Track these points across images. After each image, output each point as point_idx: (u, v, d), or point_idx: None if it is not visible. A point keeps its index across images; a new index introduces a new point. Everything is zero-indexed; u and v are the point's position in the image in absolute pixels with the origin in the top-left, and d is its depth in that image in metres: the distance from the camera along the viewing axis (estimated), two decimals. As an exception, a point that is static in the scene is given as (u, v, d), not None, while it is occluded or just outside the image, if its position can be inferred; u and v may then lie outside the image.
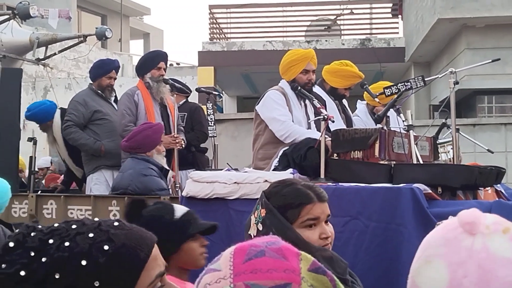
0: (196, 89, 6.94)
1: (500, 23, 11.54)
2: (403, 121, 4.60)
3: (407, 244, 3.47)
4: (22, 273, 1.10)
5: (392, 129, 4.57)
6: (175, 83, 6.25)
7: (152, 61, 6.00)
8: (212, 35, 16.87)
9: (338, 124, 5.03)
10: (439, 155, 5.47)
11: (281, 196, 2.09)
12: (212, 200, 4.11)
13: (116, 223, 1.20)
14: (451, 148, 5.05)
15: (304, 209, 2.06)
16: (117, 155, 5.84)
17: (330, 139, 4.31)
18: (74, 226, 1.17)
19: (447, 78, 4.67)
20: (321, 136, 4.21)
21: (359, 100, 6.58)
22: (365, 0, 17.67)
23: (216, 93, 7.25)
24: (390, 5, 16.96)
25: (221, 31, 17.46)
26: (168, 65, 6.27)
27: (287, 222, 2.03)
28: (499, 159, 8.74)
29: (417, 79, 4.55)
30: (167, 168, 5.33)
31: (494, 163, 4.53)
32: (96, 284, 1.11)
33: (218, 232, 2.90)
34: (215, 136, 6.35)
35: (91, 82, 6.42)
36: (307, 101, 5.05)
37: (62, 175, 7.67)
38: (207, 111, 6.43)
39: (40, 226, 1.18)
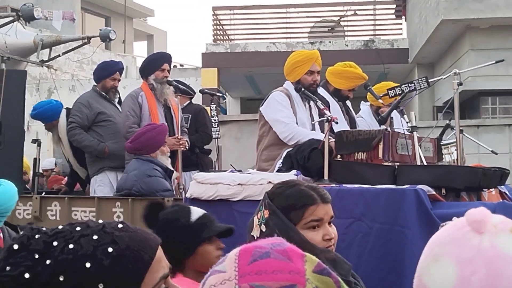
0: (200, 91, 6.95)
1: (504, 24, 11.52)
2: (407, 122, 4.59)
3: (410, 245, 3.46)
4: (27, 275, 1.10)
5: (395, 130, 4.57)
6: (179, 85, 6.26)
7: (156, 62, 6.01)
8: (215, 37, 16.88)
9: (341, 125, 5.03)
10: (443, 156, 5.46)
11: (285, 197, 2.09)
12: (216, 201, 4.11)
13: (120, 225, 1.20)
14: (455, 149, 5.04)
15: (307, 210, 2.06)
16: (121, 157, 5.85)
17: (333, 140, 4.31)
18: (78, 228, 1.17)
19: (451, 79, 4.66)
20: (324, 137, 4.21)
21: (362, 102, 6.58)
22: (368, 1, 17.67)
23: (220, 94, 7.26)
24: (394, 6, 16.96)
25: (224, 33, 17.47)
26: (171, 67, 6.28)
27: (291, 223, 2.03)
28: (503, 160, 8.73)
29: (421, 80, 4.55)
30: (172, 169, 5.33)
31: (498, 164, 4.51)
32: (100, 286, 1.11)
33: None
34: (219, 138, 6.36)
35: (95, 83, 6.43)
36: (311, 103, 5.05)
37: (66, 177, 7.67)
38: (211, 113, 6.44)
39: (44, 229, 1.18)
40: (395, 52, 15.17)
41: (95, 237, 1.15)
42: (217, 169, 6.21)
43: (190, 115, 6.57)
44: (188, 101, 6.73)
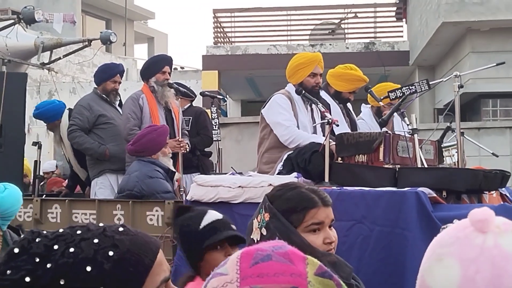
0: (201, 93, 6.96)
1: (505, 26, 11.53)
2: (408, 124, 4.60)
3: (411, 248, 3.46)
4: (27, 279, 1.10)
5: (396, 132, 4.57)
6: (180, 87, 6.26)
7: (157, 65, 6.01)
8: (216, 39, 16.89)
9: (342, 127, 5.03)
10: (444, 158, 5.47)
11: (285, 200, 2.07)
12: (217, 204, 4.11)
13: (121, 229, 1.19)
14: (456, 152, 5.05)
15: (308, 213, 2.04)
16: (121, 159, 5.85)
17: (334, 143, 4.31)
18: (79, 232, 1.17)
19: (451, 82, 4.66)
20: (325, 140, 4.21)
21: (363, 104, 6.58)
22: (369, 3, 17.69)
23: (221, 97, 7.27)
24: (395, 8, 16.97)
25: (225, 35, 17.48)
26: (172, 69, 6.28)
27: (292, 226, 2.01)
28: (503, 162, 8.72)
29: (422, 82, 4.55)
30: (173, 170, 5.33)
31: (498, 166, 4.51)
32: (101, 290, 1.11)
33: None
34: (220, 140, 6.36)
35: (96, 86, 6.43)
36: (313, 105, 5.06)
37: (66, 180, 7.67)
38: (211, 115, 6.44)
39: (45, 232, 1.18)
40: (395, 55, 15.18)
41: (96, 240, 1.14)
42: (217, 171, 6.21)
43: (191, 117, 6.57)
44: (189, 104, 6.74)
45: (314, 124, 5.04)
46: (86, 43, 7.83)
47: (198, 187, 4.23)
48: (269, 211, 2.05)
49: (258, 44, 16.12)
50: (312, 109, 5.14)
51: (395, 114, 4.98)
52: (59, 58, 8.15)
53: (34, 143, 6.67)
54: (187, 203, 4.24)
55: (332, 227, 2.11)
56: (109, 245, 1.14)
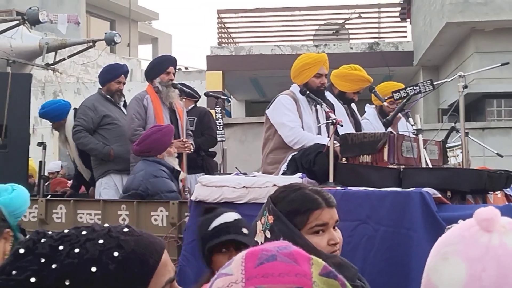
0: (205, 94, 6.96)
1: (509, 26, 11.50)
2: (412, 125, 4.59)
3: (416, 248, 3.46)
4: (33, 279, 1.10)
5: (401, 133, 4.57)
6: (184, 88, 6.27)
7: (161, 65, 6.01)
8: (220, 40, 16.89)
9: (346, 128, 5.03)
10: (448, 159, 5.46)
11: (289, 202, 2.05)
12: (221, 204, 4.11)
13: (125, 229, 1.19)
14: (460, 152, 5.04)
15: (312, 214, 2.02)
16: (126, 160, 5.86)
17: (338, 145, 4.30)
18: (84, 232, 1.17)
19: (456, 82, 4.65)
20: (329, 140, 4.21)
21: (367, 104, 6.57)
22: (373, 4, 17.67)
23: (225, 97, 7.26)
24: (399, 9, 16.95)
25: (229, 36, 17.48)
26: (176, 70, 6.29)
27: (296, 229, 1.99)
28: (508, 163, 8.68)
29: (426, 83, 4.54)
30: (179, 169, 5.33)
31: (503, 167, 4.50)
32: (106, 290, 1.11)
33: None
34: (224, 141, 6.36)
35: (100, 87, 6.44)
36: (318, 106, 5.05)
37: (71, 180, 7.69)
38: (216, 116, 6.44)
39: (50, 232, 1.18)
40: (400, 55, 15.17)
41: (100, 241, 1.14)
42: (222, 172, 6.21)
43: (195, 118, 6.57)
44: (193, 104, 6.74)
45: (319, 125, 5.04)
46: (91, 44, 7.84)
47: (203, 187, 4.23)
48: (273, 213, 2.03)
49: (262, 45, 16.12)
50: (316, 110, 5.14)
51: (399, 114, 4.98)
52: (64, 59, 8.17)
53: (39, 144, 6.69)
54: (192, 203, 4.25)
55: (336, 228, 2.10)
56: (114, 245, 1.14)
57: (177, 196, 5.01)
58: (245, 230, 2.74)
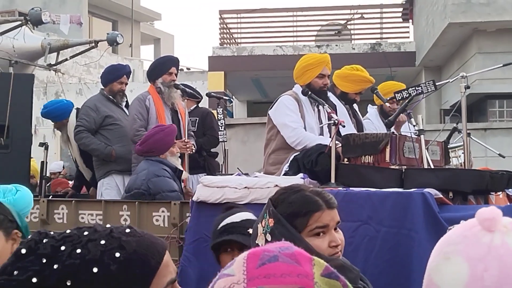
0: (207, 94, 6.96)
1: (511, 27, 11.50)
2: (414, 125, 4.59)
3: (418, 249, 3.45)
4: (34, 280, 1.10)
5: (402, 133, 4.56)
6: (186, 88, 6.27)
7: (164, 66, 6.01)
8: (222, 40, 16.90)
9: (348, 128, 5.03)
10: (450, 159, 5.46)
11: (288, 204, 2.04)
12: (223, 205, 4.11)
13: (127, 230, 1.20)
14: (462, 153, 5.04)
15: (312, 217, 2.01)
16: (128, 160, 5.86)
17: (340, 145, 4.30)
18: (86, 233, 1.17)
19: (458, 83, 4.65)
20: (331, 141, 4.21)
21: (369, 105, 6.57)
22: (375, 4, 17.66)
23: (227, 98, 7.27)
24: (401, 9, 16.95)
25: (231, 36, 17.48)
26: (178, 70, 6.29)
27: (296, 232, 1.98)
28: (510, 163, 8.68)
29: (428, 83, 4.54)
30: (181, 169, 5.34)
31: (505, 167, 4.49)
32: (107, 291, 1.11)
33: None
34: (225, 141, 6.36)
35: (103, 87, 6.45)
36: (320, 106, 5.05)
37: (73, 180, 7.69)
38: (217, 116, 6.45)
39: (52, 233, 1.18)
40: (402, 55, 15.16)
41: (102, 242, 1.15)
42: (223, 172, 6.21)
43: (197, 118, 6.58)
44: (195, 105, 6.75)
45: (321, 125, 5.04)
46: (93, 44, 7.85)
47: (204, 188, 4.23)
48: (273, 216, 2.03)
49: (264, 45, 16.13)
50: (319, 110, 5.14)
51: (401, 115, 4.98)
52: (66, 59, 8.17)
53: (41, 144, 6.69)
54: (193, 204, 4.25)
55: (338, 229, 2.09)
56: (115, 246, 1.14)
57: (179, 196, 5.01)
58: (251, 231, 2.77)
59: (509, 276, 1.11)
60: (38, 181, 7.20)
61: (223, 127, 6.45)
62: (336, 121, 4.29)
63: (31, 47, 7.49)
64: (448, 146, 5.39)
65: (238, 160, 8.52)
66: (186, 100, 6.16)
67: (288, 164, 4.74)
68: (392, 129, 5.37)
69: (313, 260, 1.15)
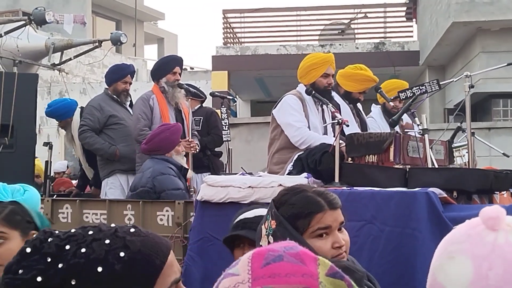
0: (210, 94, 6.96)
1: (515, 26, 11.48)
2: (418, 125, 4.58)
3: (422, 248, 3.45)
4: (39, 279, 1.10)
5: (406, 132, 4.56)
6: (190, 88, 6.27)
7: (168, 66, 6.01)
8: (226, 40, 16.90)
9: (352, 128, 5.02)
10: (454, 159, 5.45)
11: (290, 205, 2.01)
12: (227, 204, 4.11)
13: (132, 230, 1.20)
14: (466, 152, 5.03)
15: (314, 218, 1.98)
16: (132, 160, 5.86)
17: (344, 144, 4.30)
18: (90, 232, 1.17)
19: (462, 82, 4.64)
20: (335, 140, 4.21)
21: (373, 104, 6.57)
22: (379, 4, 17.64)
23: (230, 97, 7.27)
24: (404, 8, 16.93)
25: (235, 36, 17.48)
26: (182, 70, 6.29)
27: (298, 234, 1.95)
28: (514, 163, 8.69)
29: (432, 82, 4.53)
30: (187, 167, 5.34)
31: (509, 166, 4.49)
32: (112, 290, 1.11)
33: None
34: (229, 140, 6.36)
35: (107, 87, 6.45)
36: (324, 106, 5.05)
37: (77, 180, 7.70)
38: (221, 115, 6.45)
39: (57, 232, 1.18)
40: (405, 55, 15.15)
41: (107, 241, 1.15)
42: (227, 171, 6.21)
43: (201, 117, 6.58)
44: (200, 105, 6.75)
45: (325, 125, 5.03)
46: (97, 44, 7.86)
47: (208, 187, 4.23)
48: (275, 218, 2.01)
49: (268, 45, 16.13)
50: (323, 110, 5.13)
51: (405, 114, 4.97)
52: (70, 59, 8.19)
53: (45, 144, 6.70)
54: (197, 203, 4.25)
55: (343, 229, 2.06)
56: (120, 246, 1.15)
57: (184, 194, 5.01)
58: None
59: None
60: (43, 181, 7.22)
61: (227, 126, 6.45)
62: (340, 121, 4.29)
63: (35, 47, 7.50)
64: (452, 146, 5.38)
65: (242, 160, 8.51)
66: (190, 99, 6.16)
67: (292, 164, 4.74)
68: (396, 128, 5.37)
69: (318, 259, 1.15)
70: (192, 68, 21.93)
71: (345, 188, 3.92)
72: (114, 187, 6.06)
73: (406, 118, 5.87)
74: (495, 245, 1.14)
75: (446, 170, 4.20)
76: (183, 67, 6.48)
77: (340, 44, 15.46)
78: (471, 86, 4.55)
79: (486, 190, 3.97)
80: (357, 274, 1.87)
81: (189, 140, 5.77)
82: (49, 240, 1.15)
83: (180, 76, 6.06)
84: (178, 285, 1.22)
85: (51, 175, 7.27)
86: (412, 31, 16.88)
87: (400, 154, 4.09)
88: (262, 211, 2.86)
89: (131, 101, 6.45)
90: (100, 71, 17.09)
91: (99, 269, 1.11)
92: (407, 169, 3.98)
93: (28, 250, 1.14)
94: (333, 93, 5.49)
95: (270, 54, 15.45)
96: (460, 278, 1.14)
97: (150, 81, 8.76)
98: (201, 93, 6.78)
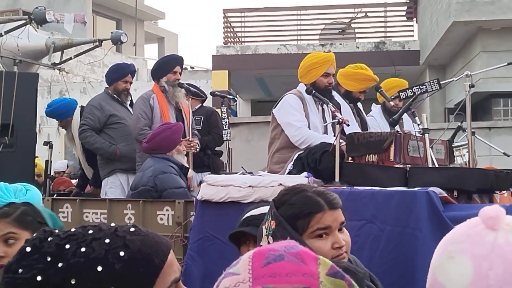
0: (211, 93, 6.96)
1: (516, 25, 11.47)
2: (418, 124, 4.58)
3: (422, 248, 3.45)
4: (39, 278, 1.10)
5: (406, 131, 4.56)
6: (190, 87, 6.27)
7: (168, 65, 6.01)
8: (226, 39, 16.90)
9: (353, 127, 5.02)
10: (455, 158, 5.45)
11: (290, 206, 2.00)
12: (227, 203, 4.12)
13: (132, 229, 1.20)
14: (467, 152, 5.03)
15: (313, 218, 1.97)
16: (132, 159, 5.86)
17: (345, 144, 4.30)
18: (90, 232, 1.17)
19: (462, 81, 4.64)
20: (335, 139, 4.21)
21: (374, 104, 6.57)
22: (379, 3, 17.65)
23: (231, 97, 7.27)
24: (405, 8, 16.92)
25: (235, 35, 17.48)
26: (182, 69, 6.29)
27: (297, 234, 1.94)
28: (515, 162, 8.68)
29: (433, 82, 4.53)
30: (187, 166, 5.34)
31: (510, 166, 4.49)
32: (112, 290, 1.11)
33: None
34: (230, 140, 6.36)
35: (107, 86, 6.45)
36: (324, 105, 5.05)
37: (76, 179, 7.70)
38: (222, 115, 6.45)
39: (57, 231, 1.18)
40: (406, 54, 15.14)
41: (107, 240, 1.15)
42: (228, 171, 6.21)
43: (202, 117, 6.58)
44: (200, 104, 6.75)
45: (325, 124, 5.03)
46: (97, 43, 7.86)
47: (209, 186, 4.23)
48: (274, 218, 2.00)
49: (268, 44, 16.12)
50: (323, 109, 5.13)
51: (405, 113, 4.97)
52: (70, 58, 8.19)
53: (45, 143, 6.70)
54: (198, 202, 4.25)
55: (344, 229, 2.05)
56: (120, 245, 1.15)
57: (186, 192, 5.01)
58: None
59: None
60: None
61: (227, 126, 6.45)
62: (341, 120, 4.28)
63: (35, 46, 7.51)
64: (453, 145, 5.38)
65: (242, 159, 8.51)
66: (190, 99, 6.16)
67: (292, 163, 4.74)
68: (397, 128, 5.37)
69: (318, 259, 1.15)
70: (192, 68, 21.95)
71: (345, 187, 3.92)
72: (114, 186, 6.06)
73: (406, 118, 5.88)
74: (495, 244, 1.14)
75: (446, 170, 4.20)
76: (184, 66, 6.48)
77: (340, 44, 15.46)
78: (472, 86, 4.54)
79: (487, 189, 3.97)
80: (357, 275, 1.86)
81: (190, 139, 5.77)
82: (49, 239, 1.15)
83: (181, 75, 6.06)
84: (178, 284, 1.22)
85: (51, 174, 7.27)
86: (412, 31, 16.89)
87: (401, 153, 4.09)
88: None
89: (131, 100, 6.45)
90: (100, 71, 17.09)
91: (99, 268, 1.11)
92: (408, 169, 3.98)
93: (28, 249, 1.14)
94: (334, 93, 5.49)
95: (270, 54, 15.45)
96: (460, 278, 1.14)
97: (150, 80, 8.76)
98: (202, 92, 6.78)
